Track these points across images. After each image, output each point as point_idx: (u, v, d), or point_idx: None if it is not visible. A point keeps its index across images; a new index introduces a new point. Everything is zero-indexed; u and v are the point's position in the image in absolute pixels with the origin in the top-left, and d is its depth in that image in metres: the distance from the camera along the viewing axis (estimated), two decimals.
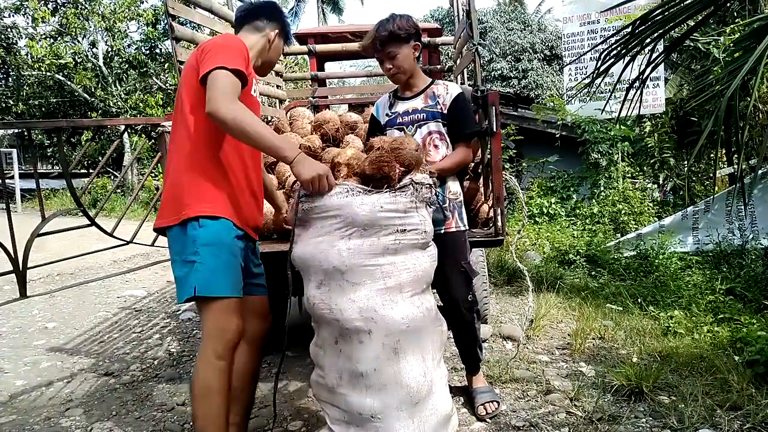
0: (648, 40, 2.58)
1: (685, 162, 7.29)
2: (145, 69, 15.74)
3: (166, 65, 16.28)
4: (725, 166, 6.54)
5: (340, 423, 2.06)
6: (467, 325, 2.61)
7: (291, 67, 13.49)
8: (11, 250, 2.48)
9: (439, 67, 4.58)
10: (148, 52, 16.32)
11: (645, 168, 7.51)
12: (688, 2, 2.37)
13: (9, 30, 15.38)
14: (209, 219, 1.93)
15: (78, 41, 15.84)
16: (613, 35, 2.79)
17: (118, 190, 15.68)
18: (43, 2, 15.22)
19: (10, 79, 17.19)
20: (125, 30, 16.25)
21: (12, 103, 16.58)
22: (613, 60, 2.65)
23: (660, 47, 3.84)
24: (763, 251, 4.96)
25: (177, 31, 2.77)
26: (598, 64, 2.72)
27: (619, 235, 6.33)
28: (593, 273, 5.35)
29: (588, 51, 6.52)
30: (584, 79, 6.78)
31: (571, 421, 2.52)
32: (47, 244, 3.40)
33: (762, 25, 2.45)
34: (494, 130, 2.58)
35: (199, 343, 3.90)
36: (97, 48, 16.02)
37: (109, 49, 16.03)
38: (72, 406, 2.94)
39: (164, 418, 2.76)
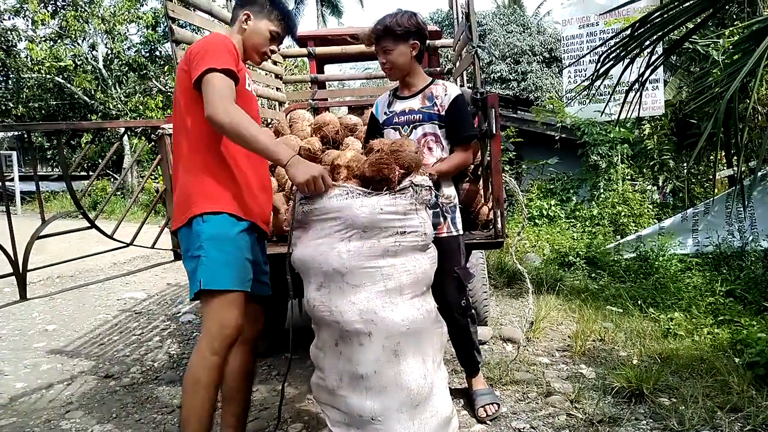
0: (647, 43, 2.59)
1: (685, 164, 7.29)
2: (144, 71, 15.75)
3: (166, 68, 16.29)
4: (725, 168, 6.55)
5: (340, 425, 2.06)
6: (462, 329, 2.61)
7: (291, 69, 13.51)
8: (11, 253, 2.48)
9: (438, 69, 4.59)
10: (147, 54, 16.33)
11: (644, 170, 7.52)
12: (687, 5, 2.37)
13: (9, 33, 15.39)
14: (212, 214, 1.96)
15: (78, 44, 15.86)
16: (612, 37, 2.79)
17: (118, 193, 15.69)
18: (43, 5, 15.24)
19: (9, 82, 17.21)
20: (125, 33, 16.26)
21: (12, 105, 16.59)
22: (612, 62, 2.65)
23: (659, 49, 3.84)
24: (763, 253, 4.96)
25: (177, 34, 2.77)
26: (598, 67, 2.73)
27: (618, 237, 6.33)
28: (593, 275, 5.35)
29: (587, 53, 6.53)
30: (583, 81, 6.80)
31: (571, 423, 2.52)
32: (47, 247, 3.40)
33: (761, 28, 2.45)
34: (494, 132, 2.57)
35: None
36: (96, 50, 16.04)
37: (109, 52, 16.04)
38: (72, 409, 2.94)
39: (164, 421, 2.76)
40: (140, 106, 15.12)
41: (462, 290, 2.56)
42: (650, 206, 6.93)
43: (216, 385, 1.99)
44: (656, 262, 5.13)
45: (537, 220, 7.35)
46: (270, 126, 3.82)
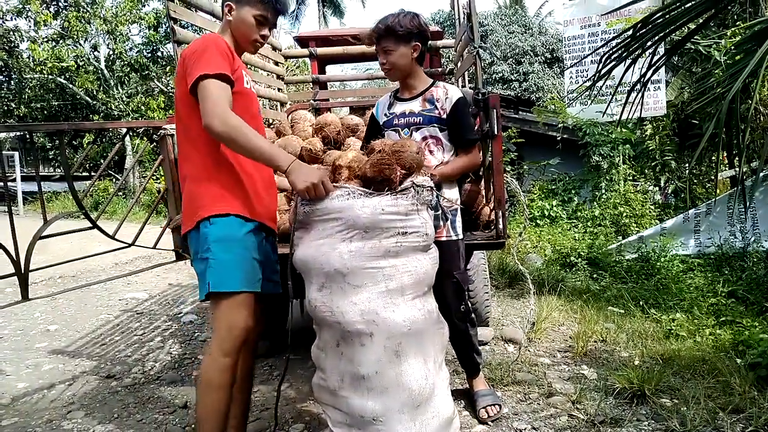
0: (649, 43, 2.58)
1: (687, 164, 7.28)
2: (146, 72, 15.75)
3: (168, 68, 16.30)
4: (726, 168, 6.54)
5: (341, 426, 2.06)
6: (462, 333, 2.60)
7: (292, 70, 13.51)
8: (13, 253, 2.48)
9: (440, 70, 4.59)
10: (149, 55, 16.32)
11: (646, 171, 7.51)
12: (689, 5, 2.37)
13: (11, 33, 15.41)
14: (219, 216, 1.97)
15: (80, 44, 15.86)
16: (614, 38, 2.79)
17: (120, 193, 15.70)
18: (45, 5, 15.25)
19: (12, 82, 17.23)
20: (127, 33, 16.26)
21: (14, 105, 16.61)
22: (614, 63, 2.65)
23: (661, 50, 3.84)
24: (765, 254, 4.96)
25: (179, 34, 2.78)
26: (600, 67, 2.72)
27: (620, 237, 6.32)
28: (595, 276, 5.34)
29: (589, 54, 6.53)
30: (585, 81, 6.79)
31: (573, 424, 2.52)
32: (49, 247, 3.40)
33: (763, 28, 2.45)
34: (495, 132, 2.57)
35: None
36: (98, 51, 16.04)
37: (111, 52, 16.04)
38: (74, 409, 2.94)
39: (166, 421, 2.77)
40: (142, 107, 15.13)
41: (461, 294, 2.55)
42: (652, 207, 6.92)
43: (229, 387, 2.00)
44: (658, 263, 5.12)
45: (538, 221, 7.34)
46: (272, 126, 3.82)
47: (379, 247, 1.97)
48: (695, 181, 7.29)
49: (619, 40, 2.68)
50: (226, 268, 1.95)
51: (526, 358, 3.37)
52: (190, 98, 1.95)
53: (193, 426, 2.70)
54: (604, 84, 2.91)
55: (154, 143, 2.93)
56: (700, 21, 2.83)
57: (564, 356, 3.44)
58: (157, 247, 3.21)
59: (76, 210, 2.94)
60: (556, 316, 4.14)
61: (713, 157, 6.88)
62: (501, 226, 2.69)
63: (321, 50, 4.58)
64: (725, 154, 5.49)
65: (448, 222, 2.49)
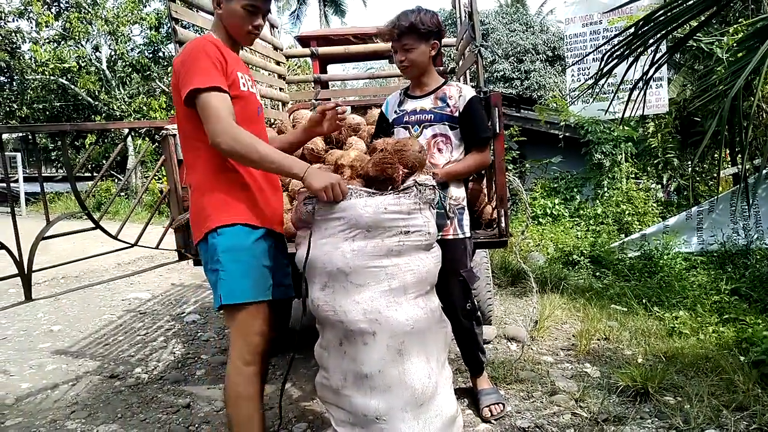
0: (651, 41, 2.58)
1: (689, 162, 7.27)
2: (148, 72, 15.77)
3: (169, 69, 16.30)
4: (729, 166, 6.53)
5: (345, 424, 2.06)
6: (467, 331, 2.61)
7: (293, 69, 13.52)
8: (16, 254, 2.49)
9: (441, 68, 4.59)
10: (151, 55, 16.34)
11: (649, 168, 7.50)
12: (690, 3, 2.36)
13: (13, 34, 15.44)
14: (226, 226, 1.94)
15: (81, 45, 15.87)
16: (616, 36, 2.78)
17: (122, 193, 15.71)
18: (46, 7, 15.28)
19: (14, 83, 17.26)
20: (128, 34, 16.29)
21: (16, 107, 16.64)
22: (616, 61, 2.65)
23: (663, 48, 3.83)
24: None
25: (180, 35, 2.78)
26: (601, 65, 2.72)
27: (623, 235, 6.31)
28: (597, 274, 5.34)
29: (591, 52, 6.51)
30: (587, 79, 6.78)
31: (576, 422, 2.51)
32: (52, 247, 3.41)
33: (765, 25, 2.44)
34: (497, 131, 2.57)
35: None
36: (100, 52, 16.05)
37: (113, 53, 16.06)
38: (77, 409, 2.95)
39: (169, 420, 2.77)
40: (144, 107, 15.13)
41: (467, 293, 2.55)
42: (654, 205, 6.91)
43: (259, 395, 2.00)
44: (661, 261, 5.12)
45: (541, 219, 7.34)
46: (273, 126, 3.83)
47: (381, 246, 1.97)
48: (698, 178, 7.28)
49: (620, 38, 2.68)
50: (236, 279, 1.93)
51: (529, 356, 3.37)
52: (187, 109, 1.91)
53: (197, 426, 2.71)
54: (606, 82, 2.90)
55: (156, 143, 2.94)
56: (702, 18, 2.83)
57: (567, 354, 3.43)
58: (159, 247, 3.21)
59: (79, 210, 2.95)
60: (558, 314, 4.14)
61: (716, 155, 6.89)
62: (503, 225, 2.69)
63: (322, 50, 4.58)
64: (728, 152, 5.49)
65: (455, 220, 2.49)
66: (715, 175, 6.96)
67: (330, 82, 5.28)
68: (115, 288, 5.89)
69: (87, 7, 15.12)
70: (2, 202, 17.08)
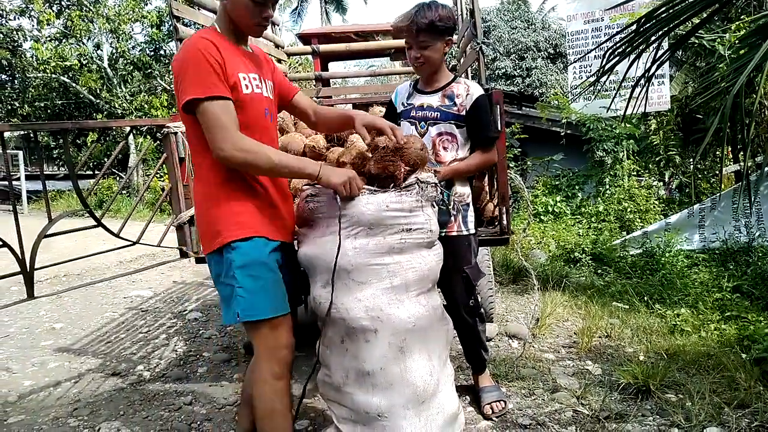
0: (653, 38, 2.57)
1: (691, 159, 7.26)
2: (149, 70, 15.76)
3: (171, 67, 16.28)
4: (731, 163, 6.51)
5: (347, 422, 2.07)
6: (470, 328, 2.61)
7: (295, 67, 13.51)
8: (18, 252, 2.49)
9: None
10: (152, 53, 16.34)
11: (650, 166, 7.49)
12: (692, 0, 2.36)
13: (14, 33, 15.44)
14: (241, 241, 1.87)
15: (83, 43, 15.88)
16: (617, 33, 2.78)
17: (124, 191, 15.72)
18: (48, 5, 15.27)
19: (15, 82, 17.26)
20: (130, 32, 16.28)
21: (18, 105, 16.64)
22: (617, 58, 2.64)
23: (665, 45, 3.83)
24: None
25: (181, 33, 2.77)
26: (603, 62, 2.71)
27: (624, 233, 6.31)
28: (599, 271, 5.33)
29: (592, 49, 6.50)
30: (589, 77, 6.77)
31: (577, 420, 2.52)
32: (54, 245, 3.41)
33: (767, 22, 2.43)
34: (499, 129, 2.57)
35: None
36: (101, 50, 16.05)
37: (114, 51, 16.05)
38: (79, 406, 2.96)
39: (171, 418, 2.78)
40: (145, 105, 15.13)
41: (471, 289, 2.55)
42: (656, 202, 6.91)
43: (290, 408, 1.98)
44: (662, 258, 5.11)
45: (542, 217, 7.33)
46: None
47: (383, 244, 1.97)
48: (700, 175, 7.27)
49: (622, 35, 2.67)
50: (254, 295, 1.86)
51: (531, 353, 3.38)
52: (188, 117, 1.85)
53: (198, 423, 2.71)
54: (607, 79, 2.89)
55: (158, 141, 2.94)
56: (704, 15, 2.82)
57: (568, 352, 3.44)
58: (161, 245, 3.22)
59: (81, 208, 2.95)
60: (560, 311, 4.14)
61: (718, 152, 6.88)
62: (505, 222, 2.69)
63: (324, 47, 4.57)
64: (730, 149, 5.48)
65: (460, 216, 2.49)
66: (717, 172, 6.94)
67: (331, 80, 5.28)
68: (117, 286, 5.90)
69: (88, 5, 15.11)
70: (4, 200, 17.09)
